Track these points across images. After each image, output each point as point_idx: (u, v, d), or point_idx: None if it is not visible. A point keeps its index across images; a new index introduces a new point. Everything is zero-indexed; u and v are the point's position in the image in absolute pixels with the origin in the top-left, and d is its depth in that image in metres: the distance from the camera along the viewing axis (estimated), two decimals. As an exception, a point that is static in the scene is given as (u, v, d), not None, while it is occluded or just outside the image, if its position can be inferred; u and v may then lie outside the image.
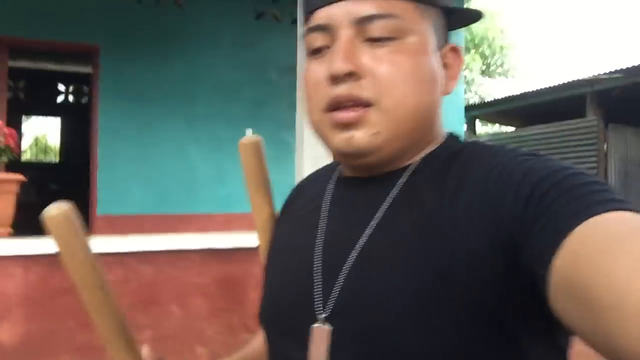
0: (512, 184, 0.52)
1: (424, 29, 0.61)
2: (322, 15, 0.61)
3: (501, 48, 17.63)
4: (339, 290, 0.58)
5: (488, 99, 12.95)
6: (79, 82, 8.62)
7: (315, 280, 0.61)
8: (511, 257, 0.49)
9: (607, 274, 0.39)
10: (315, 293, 0.60)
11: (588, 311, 0.40)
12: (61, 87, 8.89)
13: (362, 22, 0.59)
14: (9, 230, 2.59)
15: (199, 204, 5.22)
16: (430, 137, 0.64)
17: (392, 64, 0.58)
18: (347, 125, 0.59)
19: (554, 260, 0.44)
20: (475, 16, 0.68)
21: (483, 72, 17.48)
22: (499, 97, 9.55)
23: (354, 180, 0.67)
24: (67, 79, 8.58)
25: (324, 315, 0.58)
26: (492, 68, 17.82)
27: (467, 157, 0.60)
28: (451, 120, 6.88)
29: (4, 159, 2.56)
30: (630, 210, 0.45)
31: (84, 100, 8.65)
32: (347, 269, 0.59)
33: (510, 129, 10.70)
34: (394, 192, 0.61)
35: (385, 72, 0.58)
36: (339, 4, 0.60)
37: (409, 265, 0.54)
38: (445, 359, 0.51)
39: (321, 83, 0.61)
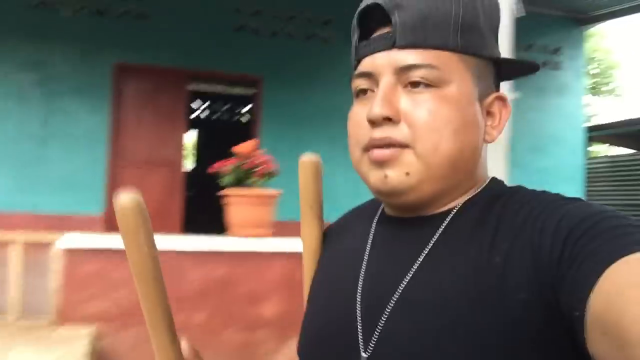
0: (549, 228, 0.53)
1: (466, 78, 0.62)
2: (367, 63, 0.63)
3: (608, 67, 17.33)
4: (380, 331, 0.59)
5: (595, 117, 12.81)
6: (237, 102, 10.07)
7: (357, 320, 0.62)
8: (551, 303, 0.49)
9: (637, 308, 0.40)
10: (356, 333, 0.61)
11: (619, 350, 0.40)
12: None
13: (403, 70, 0.61)
14: (271, 231, 3.54)
15: (338, 214, 5.95)
16: (472, 181, 0.65)
17: (428, 111, 0.59)
18: (381, 164, 0.61)
19: (589, 300, 0.44)
20: (531, 68, 0.68)
21: (591, 91, 17.23)
22: (616, 120, 9.60)
23: (396, 220, 0.67)
24: (230, 99, 10.00)
25: (365, 356, 0.59)
26: (599, 87, 17.54)
27: (506, 202, 0.61)
28: (571, 142, 7.21)
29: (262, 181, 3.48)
30: None
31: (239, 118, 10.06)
32: (388, 311, 0.59)
33: (625, 150, 10.63)
34: (436, 235, 0.61)
35: (420, 117, 0.59)
36: (382, 53, 0.62)
37: (449, 310, 0.54)
38: None
39: (362, 124, 0.63)
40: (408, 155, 0.60)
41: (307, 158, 0.75)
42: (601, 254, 0.46)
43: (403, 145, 0.60)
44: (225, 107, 10.70)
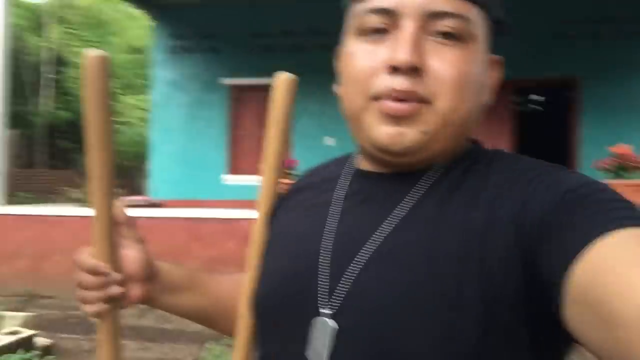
0: (539, 192, 0.51)
1: (484, 37, 0.59)
2: None
3: None
4: (349, 286, 0.55)
5: None
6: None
7: (321, 274, 0.58)
8: (530, 263, 0.49)
9: (630, 287, 0.39)
10: (320, 286, 0.57)
11: (605, 324, 0.40)
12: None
13: (432, 17, 0.55)
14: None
15: None
16: (462, 142, 0.62)
17: (456, 67, 0.55)
18: (397, 119, 0.55)
19: (574, 270, 0.43)
20: (506, 30, 0.64)
21: None
22: None
23: (374, 175, 0.62)
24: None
25: (329, 312, 0.55)
26: None
27: (490, 163, 0.59)
28: None
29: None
30: None
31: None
32: (360, 264, 0.56)
33: None
34: (418, 192, 0.58)
35: (447, 72, 0.55)
36: None
37: (428, 265, 0.52)
38: None
39: (375, 69, 0.56)
40: (428, 112, 0.56)
41: (285, 76, 0.71)
42: (590, 224, 0.45)
43: (423, 101, 0.55)
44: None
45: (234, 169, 7.73)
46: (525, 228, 0.50)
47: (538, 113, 11.44)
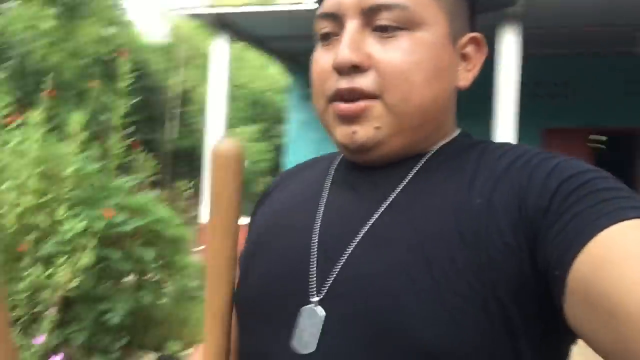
0: (539, 176, 0.50)
1: (438, 18, 0.57)
2: (330, 2, 0.58)
3: None
4: (337, 273, 0.54)
5: None
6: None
7: (313, 264, 0.57)
8: (532, 250, 0.48)
9: (634, 282, 0.38)
10: (311, 277, 0.56)
11: (607, 318, 0.39)
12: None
13: (370, 11, 0.56)
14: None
15: None
16: (443, 131, 0.62)
17: (399, 57, 0.55)
18: (349, 119, 0.57)
19: (575, 262, 0.43)
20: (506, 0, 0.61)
21: None
22: None
23: (361, 165, 0.62)
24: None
25: (316, 299, 0.54)
26: None
27: (483, 149, 0.58)
28: None
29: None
30: None
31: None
32: (349, 250, 0.55)
33: None
34: (408, 177, 0.58)
35: (390, 64, 0.55)
36: None
37: (423, 247, 0.51)
38: (446, 347, 0.48)
39: (327, 72, 0.58)
40: (377, 108, 0.56)
41: (227, 146, 0.62)
42: (592, 215, 0.44)
43: (371, 96, 0.56)
44: None
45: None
46: (525, 215, 0.49)
47: (607, 156, 12.59)
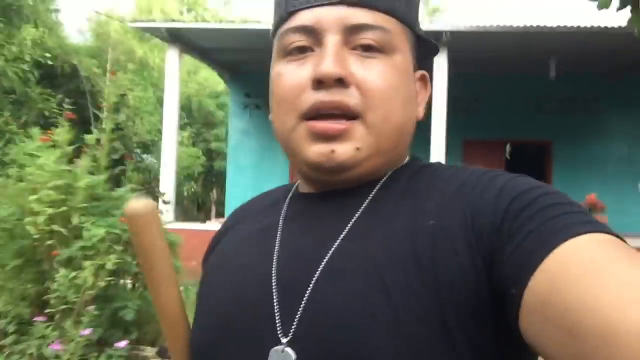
0: (489, 195, 0.51)
1: (407, 49, 0.60)
2: (308, 16, 0.57)
3: None
4: (301, 311, 0.53)
5: None
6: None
7: (274, 302, 0.55)
8: (488, 270, 0.48)
9: (594, 298, 0.38)
10: (275, 316, 0.54)
11: (567, 336, 0.39)
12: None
13: (353, 29, 0.56)
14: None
15: None
16: (401, 157, 0.63)
17: (381, 77, 0.56)
18: (328, 138, 0.56)
19: (531, 280, 0.43)
20: (434, 50, 0.66)
21: None
22: None
23: (314, 195, 0.63)
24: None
25: (285, 340, 0.52)
26: None
27: (433, 172, 0.60)
28: None
29: None
30: (608, 232, 0.44)
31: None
32: (310, 286, 0.53)
33: None
34: (362, 206, 0.58)
35: (373, 84, 0.56)
36: (329, 8, 0.57)
37: (382, 275, 0.50)
38: None
39: (301, 87, 0.57)
40: (359, 128, 0.56)
41: (138, 206, 0.60)
42: (544, 232, 0.45)
43: (352, 115, 0.56)
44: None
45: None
46: (479, 234, 0.49)
47: (522, 165, 13.95)
